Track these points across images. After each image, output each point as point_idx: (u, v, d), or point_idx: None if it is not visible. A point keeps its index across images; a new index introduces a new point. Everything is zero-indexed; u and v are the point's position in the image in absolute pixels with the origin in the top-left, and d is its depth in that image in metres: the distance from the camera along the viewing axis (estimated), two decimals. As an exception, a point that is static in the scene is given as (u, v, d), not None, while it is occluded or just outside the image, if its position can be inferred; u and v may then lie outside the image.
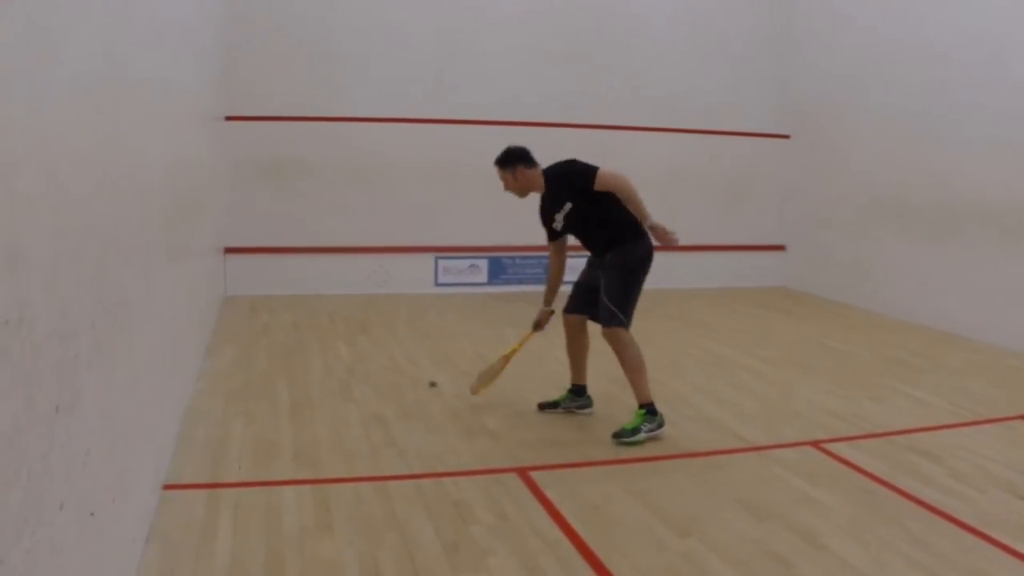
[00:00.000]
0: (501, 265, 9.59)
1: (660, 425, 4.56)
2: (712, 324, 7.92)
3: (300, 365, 6.02)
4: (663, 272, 9.88)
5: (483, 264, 9.54)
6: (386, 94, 9.10)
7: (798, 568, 3.19)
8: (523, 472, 4.08)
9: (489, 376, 5.15)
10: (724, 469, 4.26)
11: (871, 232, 8.99)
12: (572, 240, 4.92)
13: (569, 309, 4.92)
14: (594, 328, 4.78)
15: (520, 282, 9.60)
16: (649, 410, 4.56)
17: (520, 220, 9.62)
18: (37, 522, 1.75)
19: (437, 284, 9.37)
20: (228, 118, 8.47)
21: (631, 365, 4.58)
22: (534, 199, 4.96)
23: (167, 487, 3.72)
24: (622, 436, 4.48)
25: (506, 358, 5.16)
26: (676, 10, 9.97)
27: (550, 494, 3.81)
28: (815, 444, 4.61)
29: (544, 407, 5.06)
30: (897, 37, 8.56)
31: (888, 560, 3.26)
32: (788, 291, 10.18)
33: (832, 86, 9.62)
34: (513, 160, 4.73)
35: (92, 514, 2.26)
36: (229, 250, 8.72)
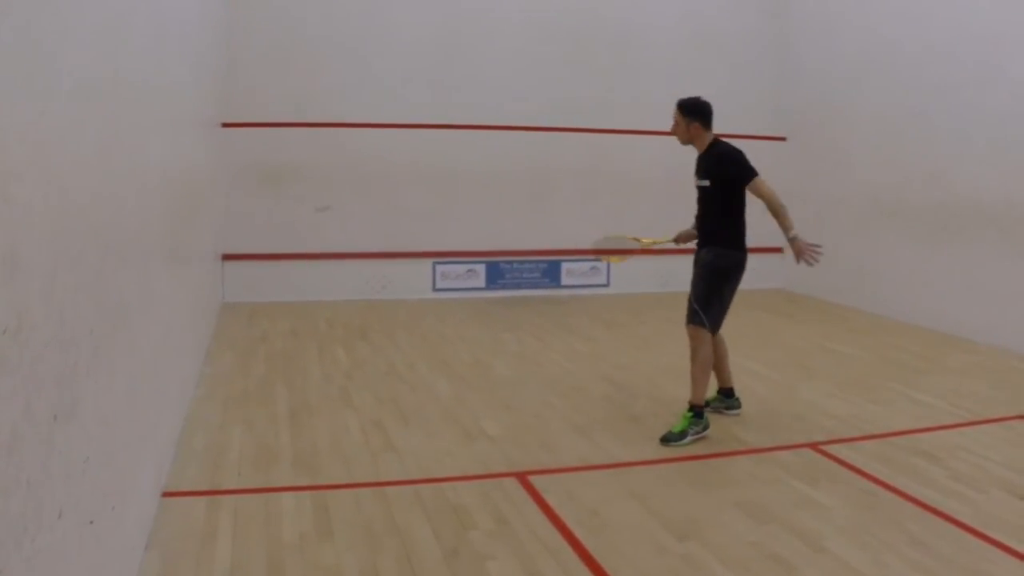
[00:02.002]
0: (499, 270, 9.59)
1: (705, 427, 4.69)
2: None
3: (299, 371, 6.02)
4: (661, 275, 9.97)
5: (481, 269, 9.54)
6: (383, 100, 9.11)
7: (798, 570, 3.19)
8: (522, 477, 4.08)
9: (618, 243, 5.28)
10: (724, 472, 4.27)
11: (870, 234, 8.99)
12: None
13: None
14: (727, 332, 5.00)
15: (518, 287, 9.61)
16: (697, 413, 4.69)
17: (517, 225, 9.70)
18: (37, 530, 1.75)
19: (435, 289, 9.37)
20: (224, 125, 8.47)
21: (700, 364, 4.75)
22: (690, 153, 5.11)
23: (166, 494, 3.72)
24: (670, 440, 4.57)
25: (637, 240, 5.28)
26: (675, 14, 9.98)
27: (549, 498, 3.81)
28: (815, 446, 4.61)
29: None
30: (894, 38, 8.58)
31: (889, 562, 3.26)
32: (787, 293, 10.18)
33: (829, 88, 9.63)
34: (694, 113, 4.89)
35: (91, 522, 2.25)
36: (227, 257, 8.71)
